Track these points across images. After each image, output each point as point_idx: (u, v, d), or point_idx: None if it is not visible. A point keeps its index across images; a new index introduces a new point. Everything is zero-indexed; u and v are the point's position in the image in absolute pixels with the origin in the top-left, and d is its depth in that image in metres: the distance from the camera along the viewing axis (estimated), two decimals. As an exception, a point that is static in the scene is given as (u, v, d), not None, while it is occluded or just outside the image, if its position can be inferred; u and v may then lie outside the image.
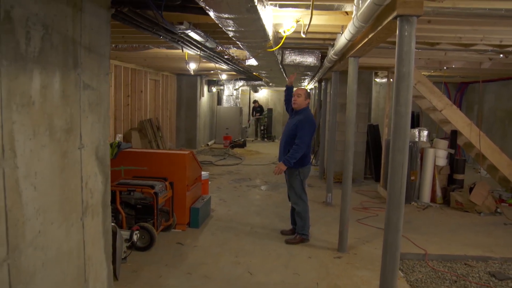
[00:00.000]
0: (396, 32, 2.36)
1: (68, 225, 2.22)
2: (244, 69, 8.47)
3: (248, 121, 17.01)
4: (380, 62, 6.57)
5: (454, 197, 6.41)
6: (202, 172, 5.71)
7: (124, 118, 8.83)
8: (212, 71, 10.68)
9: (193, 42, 4.58)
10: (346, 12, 3.61)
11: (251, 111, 17.02)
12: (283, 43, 4.32)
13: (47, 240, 2.01)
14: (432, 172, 6.68)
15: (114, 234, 3.35)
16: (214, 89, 14.58)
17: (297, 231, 4.68)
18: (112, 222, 3.18)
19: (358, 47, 3.67)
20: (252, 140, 16.24)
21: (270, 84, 13.27)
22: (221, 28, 3.16)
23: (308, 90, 7.75)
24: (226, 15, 2.69)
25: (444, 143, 6.93)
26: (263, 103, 17.31)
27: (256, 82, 13.81)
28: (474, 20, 3.44)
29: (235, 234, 4.92)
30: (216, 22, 2.93)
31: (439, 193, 6.70)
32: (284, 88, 5.16)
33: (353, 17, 2.85)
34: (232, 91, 14.30)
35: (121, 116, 8.69)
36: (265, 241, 4.71)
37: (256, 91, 16.96)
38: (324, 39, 4.88)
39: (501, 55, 5.21)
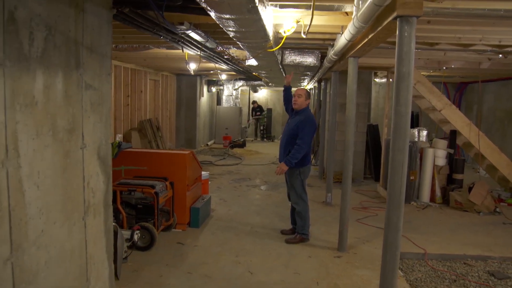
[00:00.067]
0: (396, 33, 2.37)
1: (70, 224, 2.23)
2: (244, 69, 8.48)
3: (248, 121, 17.02)
4: (380, 62, 6.58)
5: (454, 196, 6.43)
6: (202, 172, 5.72)
7: (124, 118, 8.84)
8: (212, 71, 10.68)
9: (194, 42, 4.59)
10: (346, 13, 3.63)
11: (250, 112, 17.03)
12: (283, 43, 4.34)
13: (50, 239, 2.02)
14: (431, 172, 6.69)
15: (115, 234, 3.36)
16: (213, 89, 14.58)
17: (297, 231, 4.70)
18: (113, 222, 3.19)
19: (358, 47, 3.68)
20: (252, 140, 16.25)
21: (270, 84, 13.27)
22: (222, 28, 3.16)
23: (308, 90, 7.76)
24: (227, 16, 2.70)
25: (443, 143, 6.94)
26: (263, 103, 17.32)
27: (256, 82, 13.81)
28: (474, 21, 3.46)
29: (235, 233, 4.93)
30: (217, 22, 2.93)
31: (438, 192, 6.71)
32: (283, 89, 5.17)
33: (353, 18, 2.86)
34: (232, 91, 14.30)
35: (121, 116, 8.70)
36: (265, 240, 4.72)
37: (255, 91, 16.97)
38: (324, 39, 4.89)
39: (500, 55, 5.22)
